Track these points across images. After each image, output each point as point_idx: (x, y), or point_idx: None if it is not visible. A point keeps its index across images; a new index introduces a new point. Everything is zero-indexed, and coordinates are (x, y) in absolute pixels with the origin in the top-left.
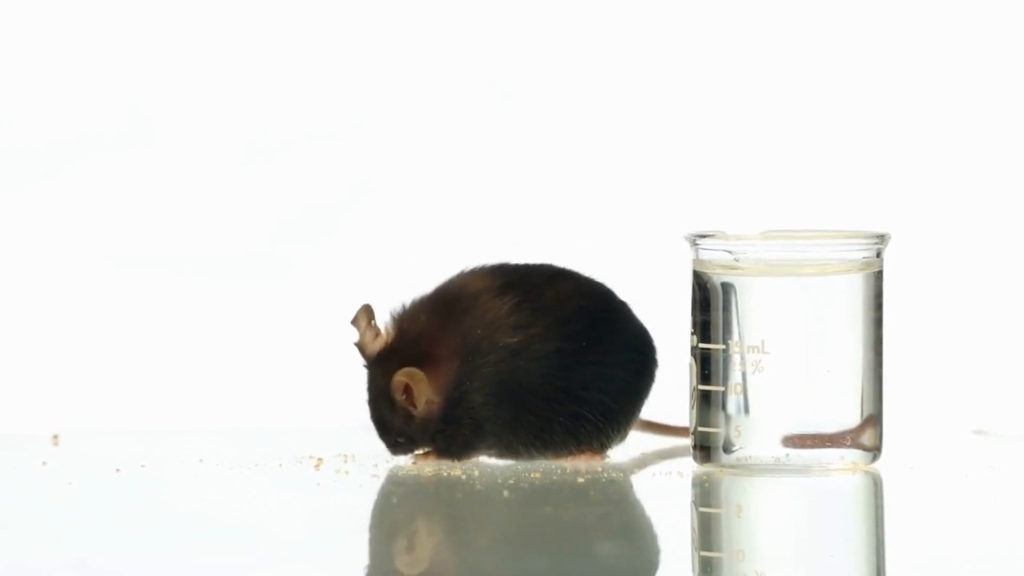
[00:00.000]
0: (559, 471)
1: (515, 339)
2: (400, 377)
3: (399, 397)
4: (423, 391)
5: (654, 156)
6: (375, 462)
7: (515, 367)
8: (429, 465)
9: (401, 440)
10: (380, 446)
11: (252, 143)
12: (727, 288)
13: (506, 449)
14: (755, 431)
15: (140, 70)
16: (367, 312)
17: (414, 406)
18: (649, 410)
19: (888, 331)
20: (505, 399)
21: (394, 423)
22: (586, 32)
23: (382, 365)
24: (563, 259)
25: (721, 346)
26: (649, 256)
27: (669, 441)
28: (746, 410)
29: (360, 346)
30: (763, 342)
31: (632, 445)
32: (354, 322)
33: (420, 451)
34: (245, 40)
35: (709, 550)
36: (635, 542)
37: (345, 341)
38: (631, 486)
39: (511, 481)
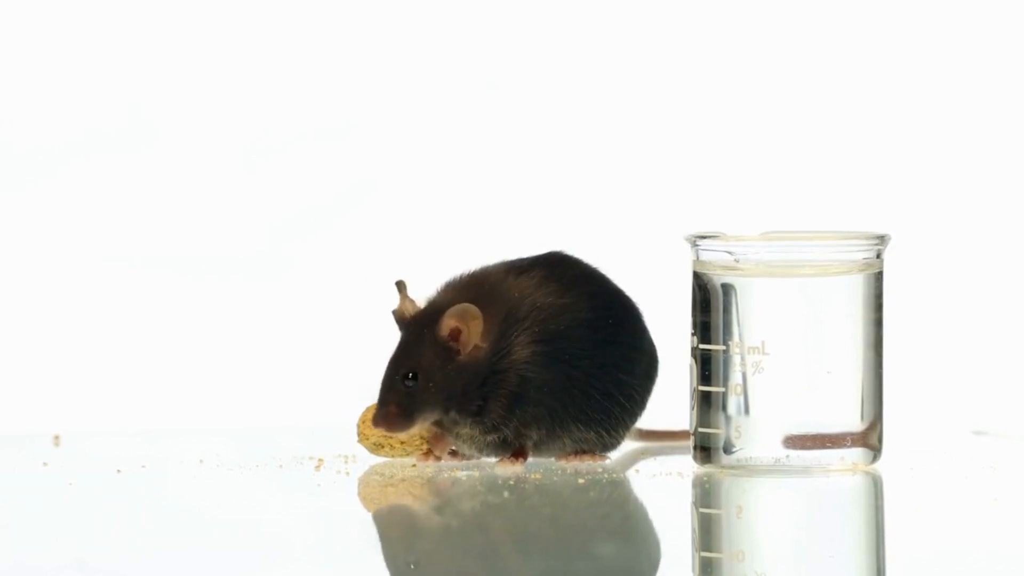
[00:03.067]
0: (559, 472)
1: (551, 299)
2: (452, 312)
3: (446, 330)
4: (475, 329)
5: (654, 156)
6: (376, 463)
7: (557, 330)
8: (430, 466)
9: (422, 404)
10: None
11: (252, 143)
12: (727, 289)
13: (547, 417)
14: (755, 432)
15: (140, 70)
16: (402, 285)
17: (462, 346)
18: (649, 413)
19: (888, 332)
20: (550, 361)
21: (432, 371)
22: (586, 33)
23: (422, 322)
24: None
25: (721, 347)
26: (649, 256)
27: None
28: (746, 411)
29: (398, 312)
30: (763, 343)
31: (632, 445)
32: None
33: (420, 453)
34: (245, 40)
35: (709, 551)
36: (635, 543)
37: (343, 341)
38: (631, 487)
39: (511, 481)
